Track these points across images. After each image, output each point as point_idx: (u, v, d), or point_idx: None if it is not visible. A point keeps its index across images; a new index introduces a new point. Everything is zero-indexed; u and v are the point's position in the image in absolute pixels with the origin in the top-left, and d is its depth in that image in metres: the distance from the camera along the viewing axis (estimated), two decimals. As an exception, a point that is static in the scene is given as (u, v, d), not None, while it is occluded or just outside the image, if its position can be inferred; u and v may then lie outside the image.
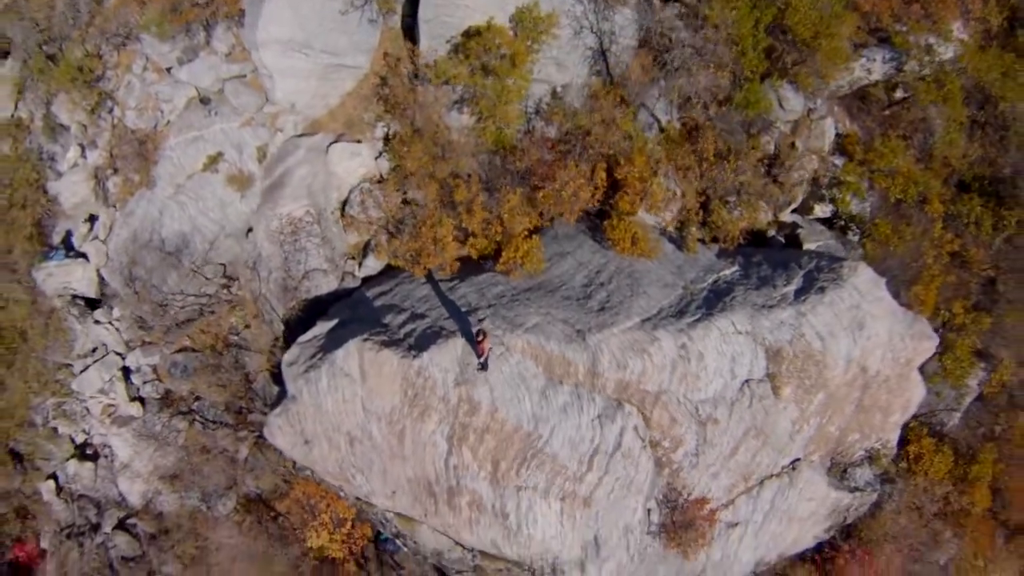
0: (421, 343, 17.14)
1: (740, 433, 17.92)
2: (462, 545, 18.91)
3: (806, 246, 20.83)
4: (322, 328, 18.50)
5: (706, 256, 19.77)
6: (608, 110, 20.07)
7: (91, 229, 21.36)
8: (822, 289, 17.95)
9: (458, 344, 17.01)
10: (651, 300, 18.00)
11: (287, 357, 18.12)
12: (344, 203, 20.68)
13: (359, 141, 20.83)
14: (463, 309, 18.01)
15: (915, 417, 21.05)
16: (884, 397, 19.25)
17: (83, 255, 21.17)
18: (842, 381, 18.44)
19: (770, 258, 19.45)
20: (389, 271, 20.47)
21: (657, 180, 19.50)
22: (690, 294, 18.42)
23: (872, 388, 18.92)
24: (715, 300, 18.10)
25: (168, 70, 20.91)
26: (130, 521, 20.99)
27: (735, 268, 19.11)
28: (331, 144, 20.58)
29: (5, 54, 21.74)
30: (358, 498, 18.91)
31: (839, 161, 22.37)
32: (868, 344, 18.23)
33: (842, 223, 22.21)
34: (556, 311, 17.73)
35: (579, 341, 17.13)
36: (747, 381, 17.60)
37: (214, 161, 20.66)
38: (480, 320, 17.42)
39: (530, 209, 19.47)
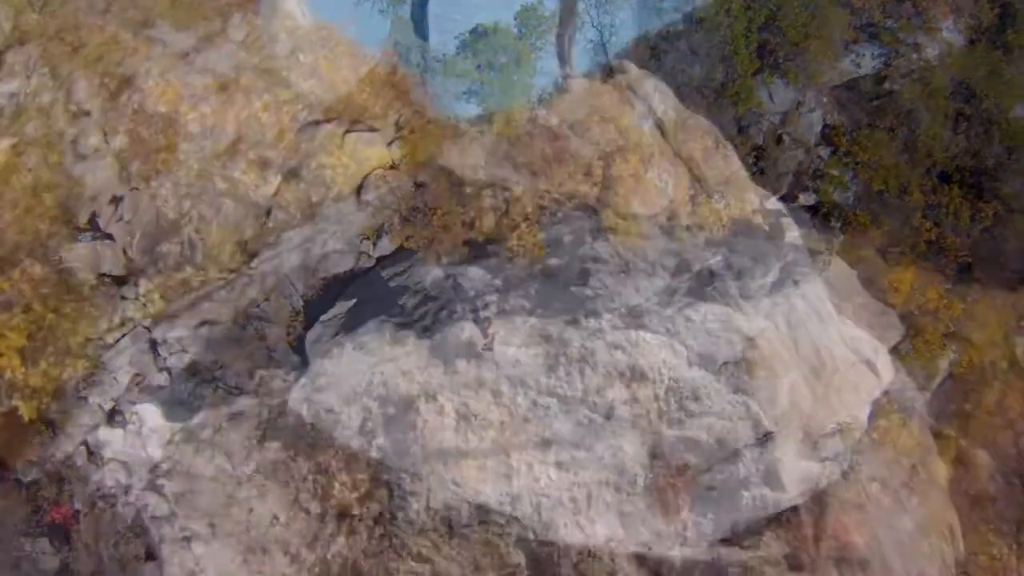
0: (434, 325, 20.17)
1: (718, 408, 20.88)
2: (469, 502, 21.93)
3: (788, 235, 23.22)
4: (341, 308, 21.30)
5: (693, 246, 22.27)
6: (607, 105, 23.10)
7: (116, 210, 23.30)
8: (796, 282, 20.88)
9: (467, 326, 20.09)
10: (640, 287, 20.83)
11: (310, 335, 20.93)
12: (359, 188, 23.09)
13: (372, 129, 23.24)
14: (471, 293, 20.97)
15: (885, 394, 23.54)
16: (853, 379, 22.14)
17: (109, 236, 23.38)
18: (813, 365, 21.42)
19: (751, 249, 22.03)
20: (402, 251, 22.71)
21: (650, 176, 22.54)
22: (676, 283, 21.17)
23: (842, 371, 21.84)
24: (698, 289, 20.91)
25: (185, 56, 23.59)
26: (159, 482, 23.07)
27: (718, 259, 21.77)
28: (346, 132, 22.98)
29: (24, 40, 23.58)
30: (374, 459, 21.68)
31: (825, 153, 24.95)
32: (837, 333, 21.27)
33: (825, 211, 24.93)
34: (555, 296, 20.59)
35: (575, 325, 20.18)
36: (725, 363, 20.55)
37: (234, 145, 23.16)
38: (486, 305, 20.40)
39: (532, 200, 22.01)
